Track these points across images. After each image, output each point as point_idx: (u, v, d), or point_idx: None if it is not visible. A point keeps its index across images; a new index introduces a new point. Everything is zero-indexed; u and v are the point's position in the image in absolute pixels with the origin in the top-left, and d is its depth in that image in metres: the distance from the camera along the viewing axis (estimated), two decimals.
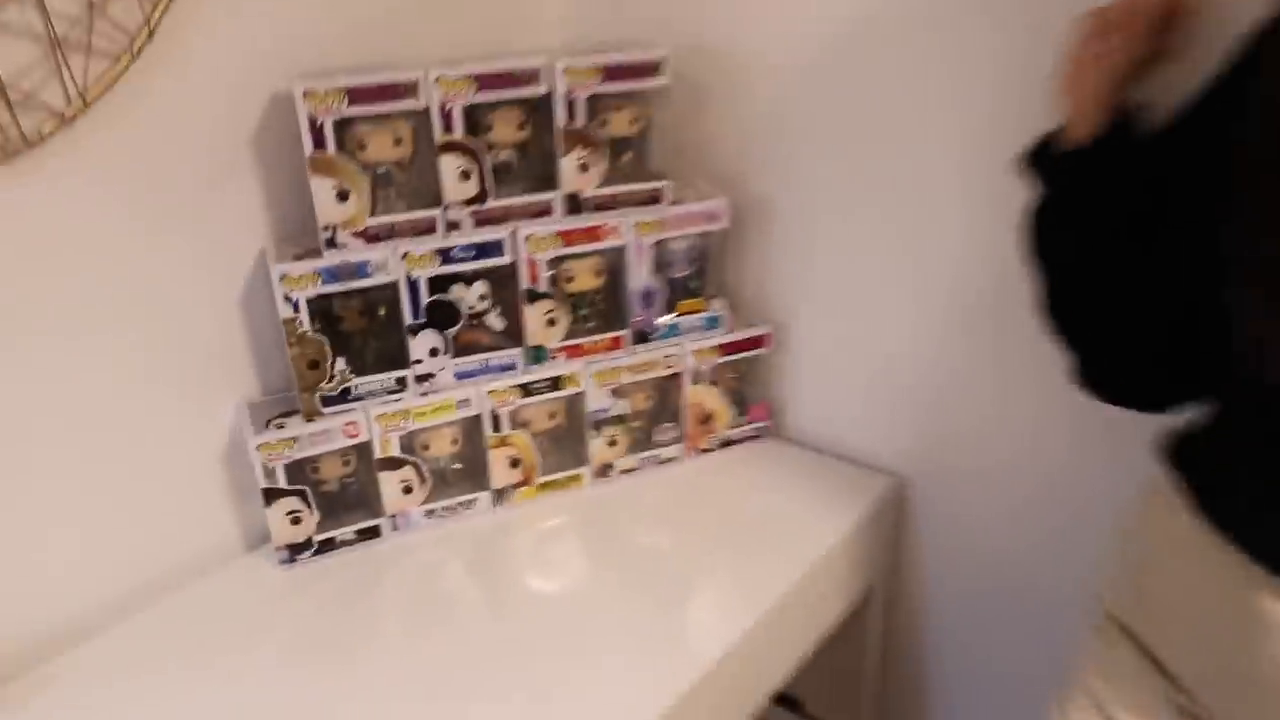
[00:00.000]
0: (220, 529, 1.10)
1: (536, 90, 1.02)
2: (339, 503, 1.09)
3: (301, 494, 1.04)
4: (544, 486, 1.17)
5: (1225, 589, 0.70)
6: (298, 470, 1.04)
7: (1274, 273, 0.64)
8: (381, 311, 1.05)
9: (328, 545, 1.08)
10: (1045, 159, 0.84)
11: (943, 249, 1.07)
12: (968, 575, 1.21)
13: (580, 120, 1.04)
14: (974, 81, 0.98)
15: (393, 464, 1.08)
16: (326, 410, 1.04)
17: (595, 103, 1.05)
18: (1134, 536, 0.83)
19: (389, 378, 1.06)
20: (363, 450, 1.07)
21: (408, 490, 1.10)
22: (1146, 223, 0.77)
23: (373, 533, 1.10)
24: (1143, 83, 0.80)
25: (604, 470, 1.20)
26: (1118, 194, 0.80)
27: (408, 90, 0.97)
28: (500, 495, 1.15)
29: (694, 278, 1.18)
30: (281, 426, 1.02)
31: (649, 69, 1.06)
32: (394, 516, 1.11)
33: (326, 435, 1.03)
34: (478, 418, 1.10)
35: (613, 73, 1.04)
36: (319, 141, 0.95)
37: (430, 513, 1.12)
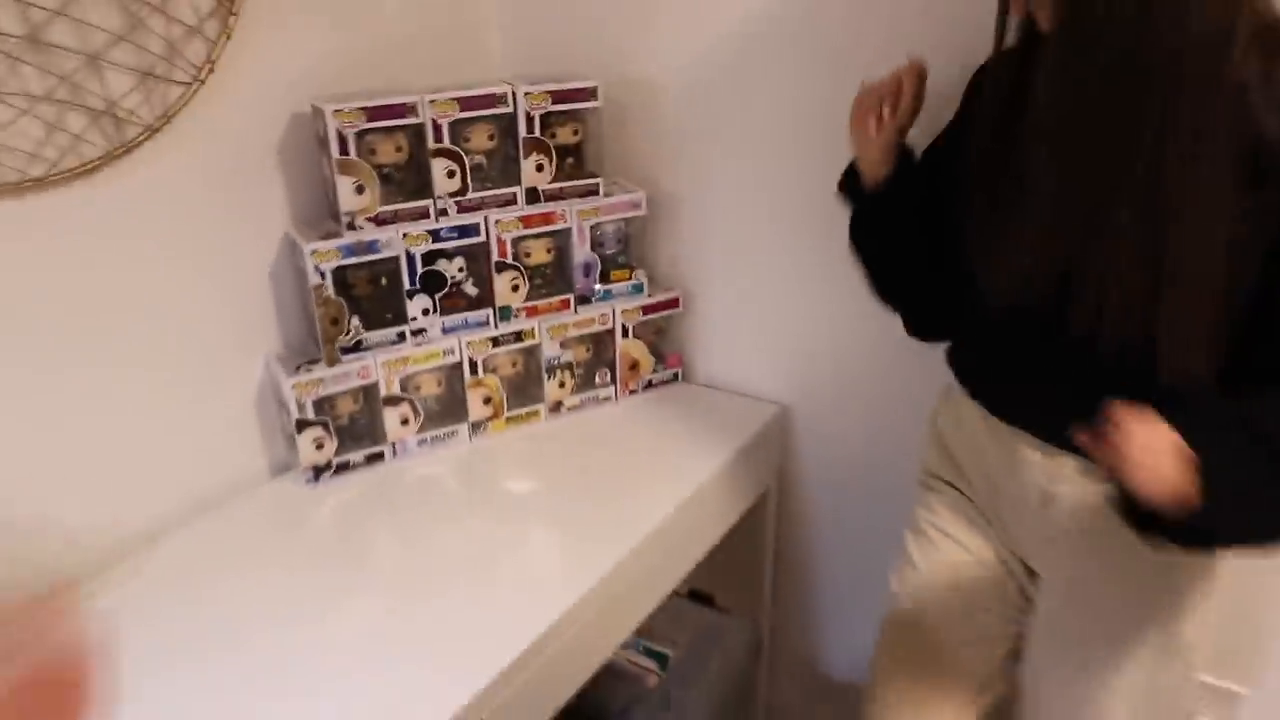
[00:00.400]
0: (253, 458, 1.38)
1: (504, 110, 1.34)
2: (349, 434, 1.38)
3: (325, 424, 1.33)
4: (510, 420, 1.49)
5: (994, 442, 1.08)
6: (319, 406, 1.32)
7: (978, 246, 1.01)
8: (384, 280, 1.35)
9: (344, 467, 1.37)
10: (851, 187, 1.19)
11: (811, 229, 1.44)
12: (840, 474, 1.58)
13: (536, 132, 1.37)
14: (818, 104, 1.36)
15: (394, 401, 1.38)
16: (344, 358, 1.33)
17: (546, 119, 1.38)
18: (937, 418, 1.21)
19: (392, 332, 1.36)
20: (369, 390, 1.36)
21: (405, 423, 1.40)
22: (921, 225, 1.12)
23: (378, 457, 1.39)
24: (906, 131, 1.14)
25: (556, 407, 1.52)
26: (902, 212, 1.14)
27: (409, 110, 1.28)
28: (476, 427, 1.46)
29: (621, 253, 1.52)
30: (310, 371, 1.31)
31: (586, 94, 1.40)
32: (394, 444, 1.40)
33: (345, 377, 1.33)
34: (459, 364, 1.41)
35: (559, 97, 1.38)
36: (343, 148, 1.25)
37: (422, 441, 1.42)
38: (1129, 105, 0.81)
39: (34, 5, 1.03)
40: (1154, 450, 0.78)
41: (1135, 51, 0.79)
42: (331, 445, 1.35)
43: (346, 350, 1.33)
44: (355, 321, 1.33)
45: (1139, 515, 0.83)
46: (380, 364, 1.35)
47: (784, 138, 1.41)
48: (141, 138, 1.15)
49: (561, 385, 1.51)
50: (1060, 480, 1.01)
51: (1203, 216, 0.81)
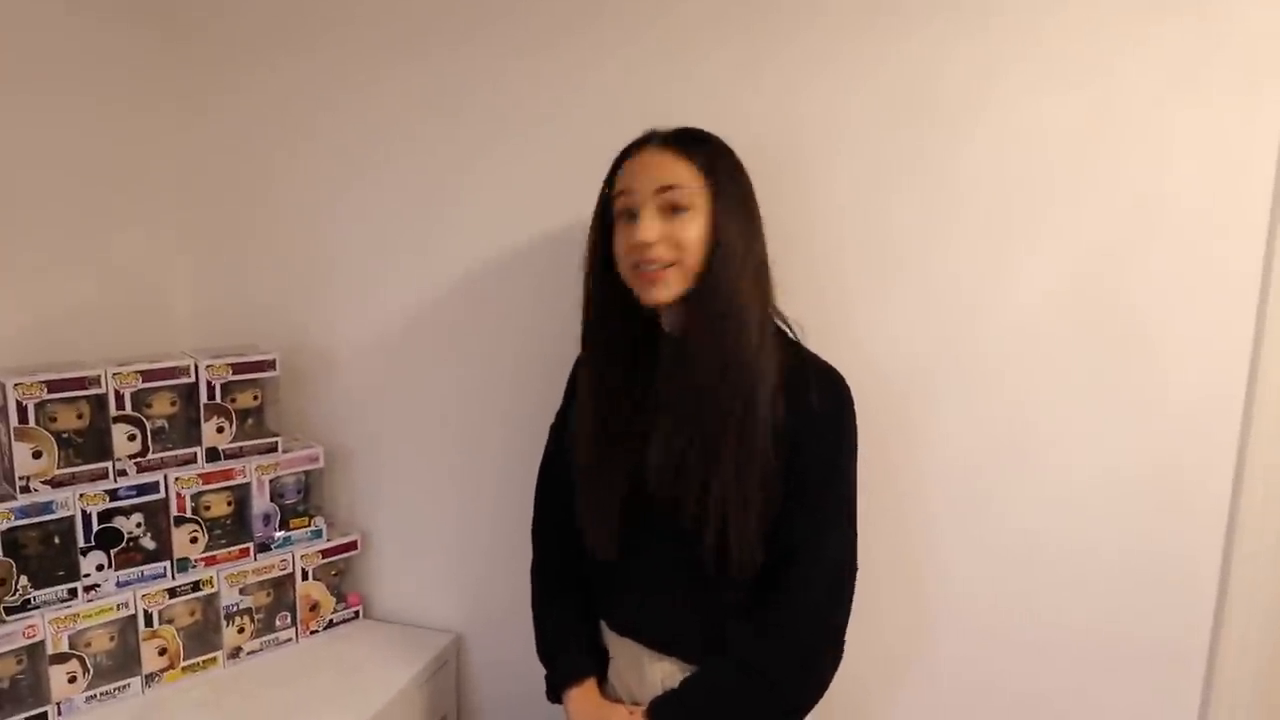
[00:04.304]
0: None
1: (186, 380, 1.51)
2: (10, 697, 1.38)
3: None
4: (186, 669, 1.54)
5: (630, 655, 1.33)
6: None
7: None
8: (57, 539, 1.42)
9: None
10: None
11: (477, 469, 1.69)
12: (514, 696, 1.74)
13: (217, 398, 1.55)
14: (472, 370, 1.66)
15: (61, 658, 1.41)
16: (9, 618, 1.36)
17: (227, 387, 1.56)
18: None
19: (63, 589, 1.41)
20: (35, 650, 1.39)
21: (72, 680, 1.42)
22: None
23: (41, 719, 1.39)
24: None
25: (235, 653, 1.60)
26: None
27: (91, 382, 1.42)
28: (150, 679, 1.50)
29: (301, 503, 1.68)
30: None
31: (265, 365, 1.61)
32: (59, 704, 1.41)
33: (9, 637, 1.35)
34: (133, 616, 1.47)
35: (239, 368, 1.57)
36: (23, 417, 1.36)
37: (91, 698, 1.44)
38: (720, 402, 1.16)
39: None
40: None
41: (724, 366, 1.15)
42: None
43: (12, 610, 1.37)
44: (24, 581, 1.38)
45: None
46: (48, 621, 1.39)
47: (444, 394, 1.69)
48: None
49: (241, 631, 1.60)
50: (673, 677, 1.27)
51: (755, 460, 1.16)
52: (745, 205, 1.20)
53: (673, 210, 1.16)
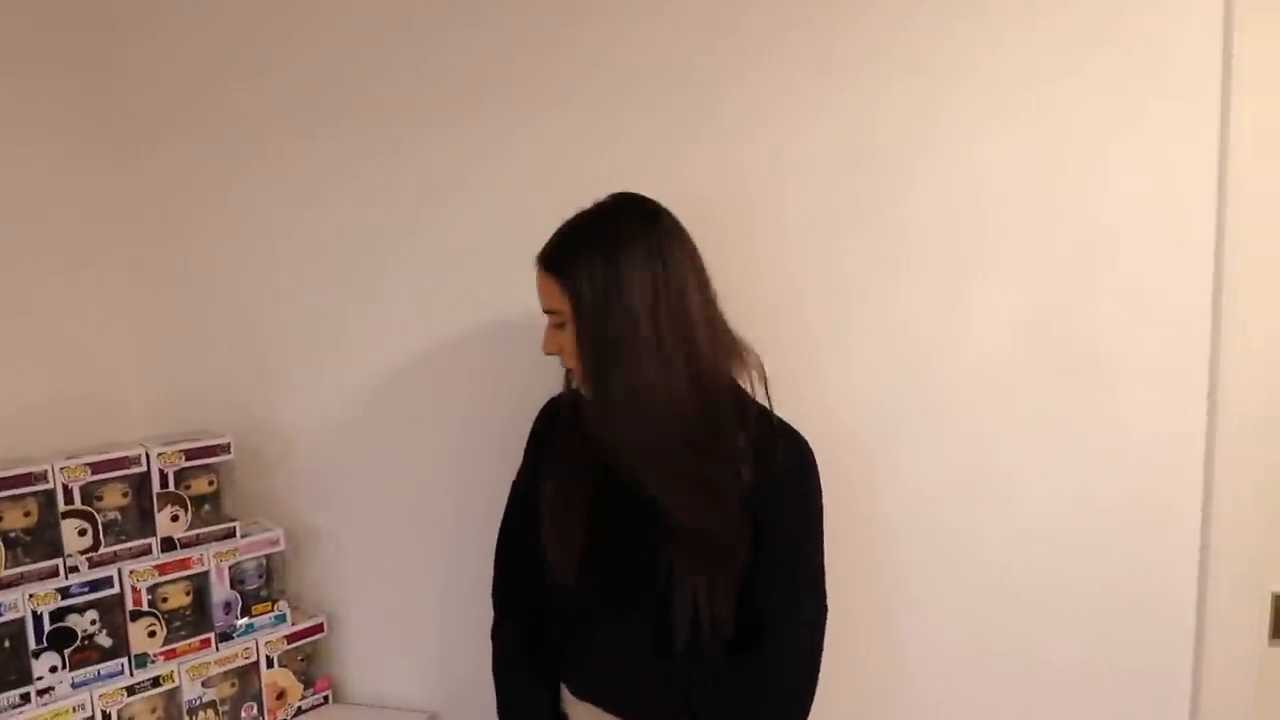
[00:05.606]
0: None
1: (137, 469, 1.48)
2: None
3: None
4: None
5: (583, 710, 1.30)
6: None
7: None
8: (7, 643, 1.37)
9: None
10: None
11: (448, 542, 1.65)
12: None
13: (170, 486, 1.52)
14: (439, 441, 1.63)
15: None
16: None
17: (181, 474, 1.53)
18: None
19: (14, 695, 1.37)
20: None
21: None
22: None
23: None
24: None
25: None
26: None
27: (38, 478, 1.39)
28: None
29: (264, 588, 1.63)
30: None
31: (219, 449, 1.58)
32: None
33: None
34: (91, 718, 1.42)
35: (192, 454, 1.55)
36: None
37: None
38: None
39: None
40: None
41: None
42: None
43: None
44: None
45: None
46: None
47: (405, 466, 1.66)
48: None
49: None
50: None
51: (731, 527, 1.16)
52: (619, 299, 1.14)
53: (560, 324, 1.20)
